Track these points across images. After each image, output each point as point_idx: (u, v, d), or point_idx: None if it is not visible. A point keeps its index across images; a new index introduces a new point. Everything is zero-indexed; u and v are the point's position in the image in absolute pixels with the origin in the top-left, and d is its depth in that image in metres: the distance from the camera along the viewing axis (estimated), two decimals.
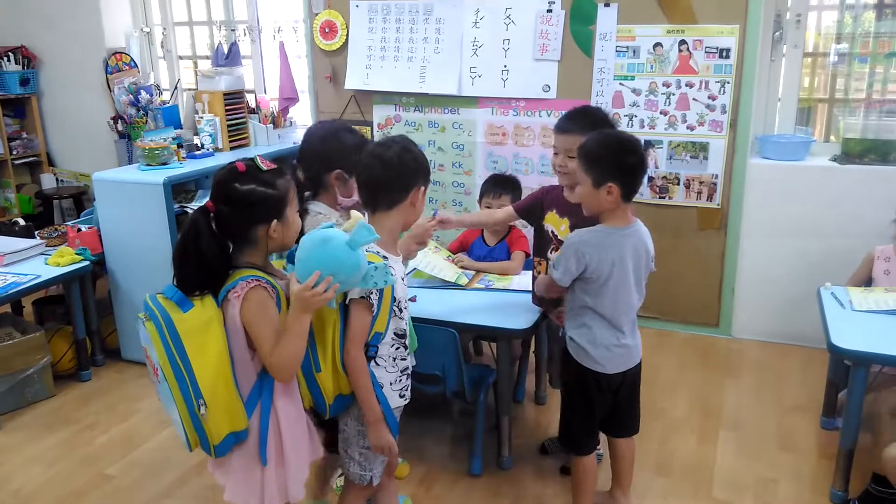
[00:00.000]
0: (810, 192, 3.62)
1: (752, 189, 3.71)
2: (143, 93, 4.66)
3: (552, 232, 2.50)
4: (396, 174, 1.89)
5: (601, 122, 2.38)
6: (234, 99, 4.22)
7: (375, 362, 1.89)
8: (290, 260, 1.85)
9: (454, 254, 3.18)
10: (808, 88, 3.89)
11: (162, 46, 5.40)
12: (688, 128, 3.74)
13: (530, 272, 2.80)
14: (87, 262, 3.50)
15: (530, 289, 2.78)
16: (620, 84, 3.82)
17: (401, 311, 1.91)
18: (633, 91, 3.80)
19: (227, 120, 4.16)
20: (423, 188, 1.95)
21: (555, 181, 2.57)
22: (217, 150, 4.11)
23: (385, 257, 1.86)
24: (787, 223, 3.68)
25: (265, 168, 1.78)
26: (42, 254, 3.62)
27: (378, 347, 1.88)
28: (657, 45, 3.70)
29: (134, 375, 3.58)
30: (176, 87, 5.13)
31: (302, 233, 1.92)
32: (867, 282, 3.04)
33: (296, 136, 4.49)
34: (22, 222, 4.17)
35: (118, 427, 3.16)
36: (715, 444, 2.94)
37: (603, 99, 3.85)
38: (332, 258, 1.69)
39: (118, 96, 4.88)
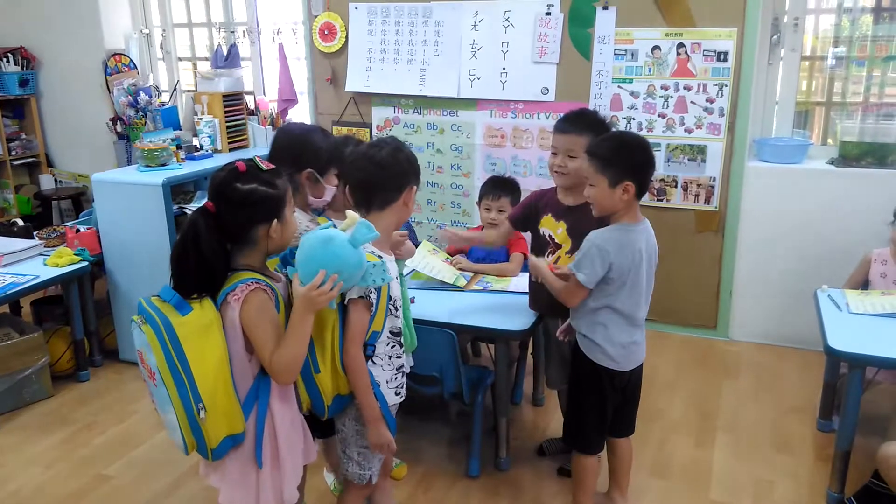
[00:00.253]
0: (807, 195, 3.63)
1: (749, 192, 3.72)
2: (142, 94, 4.67)
3: (549, 236, 2.50)
4: (390, 174, 1.91)
5: (600, 123, 2.42)
6: (233, 100, 4.23)
7: (373, 361, 1.90)
8: (285, 262, 1.86)
9: (452, 255, 3.19)
10: (805, 92, 3.90)
11: (161, 48, 5.40)
12: (686, 130, 3.75)
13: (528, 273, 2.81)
14: (85, 263, 3.50)
15: (528, 290, 2.79)
16: (619, 87, 3.83)
17: (396, 309, 1.93)
18: (632, 94, 3.81)
19: (227, 121, 4.16)
20: (414, 187, 1.96)
21: (552, 184, 2.58)
22: (216, 151, 4.12)
23: (380, 256, 1.87)
24: (784, 226, 3.69)
25: (265, 168, 1.79)
26: (41, 254, 3.62)
27: (375, 346, 1.89)
28: (655, 48, 3.71)
29: (132, 376, 3.58)
30: (175, 89, 5.14)
31: None
32: (864, 284, 3.05)
33: None
34: (20, 223, 4.17)
35: (116, 427, 3.16)
36: (712, 445, 2.95)
37: (601, 101, 3.86)
38: (336, 257, 1.70)
39: (117, 97, 4.88)
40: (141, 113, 4.63)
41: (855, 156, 3.60)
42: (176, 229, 3.40)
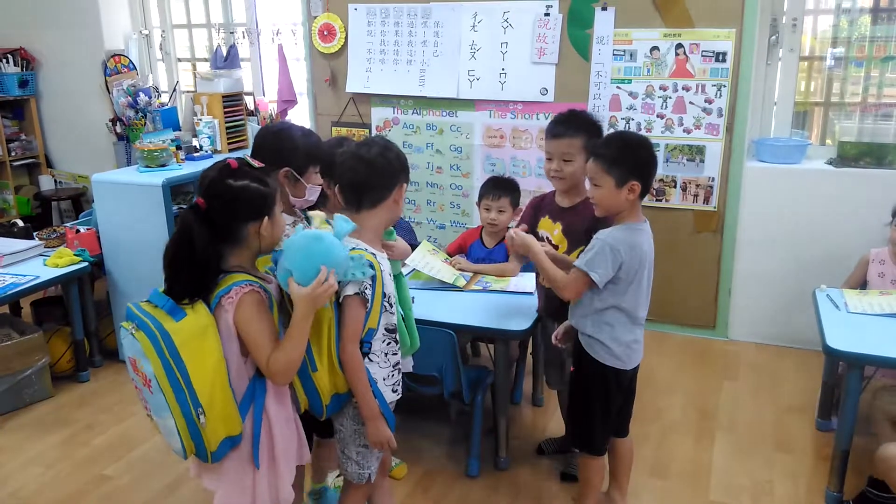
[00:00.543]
0: (806, 196, 3.64)
1: (748, 192, 3.73)
2: (141, 95, 4.67)
3: (546, 237, 2.50)
4: (380, 173, 1.92)
5: (592, 123, 2.41)
6: (232, 101, 4.24)
7: (369, 358, 1.90)
8: (277, 261, 1.86)
9: (452, 256, 3.19)
10: (804, 92, 3.91)
11: (161, 49, 5.41)
12: (684, 131, 3.75)
13: (528, 273, 2.82)
14: (85, 264, 3.50)
15: (528, 290, 2.80)
16: (617, 87, 3.84)
17: (391, 305, 1.93)
18: (630, 94, 3.82)
19: (226, 122, 4.17)
20: (405, 185, 1.98)
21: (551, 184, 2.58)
22: (216, 152, 4.12)
23: (373, 254, 1.88)
24: (782, 226, 3.70)
25: (256, 166, 1.80)
26: (41, 255, 3.62)
27: (372, 344, 1.90)
28: (654, 48, 3.72)
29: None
30: (174, 90, 5.14)
31: None
32: (862, 284, 3.06)
33: None
34: (20, 223, 4.17)
35: (116, 428, 3.17)
36: (711, 445, 2.96)
37: (600, 102, 3.87)
38: (330, 253, 1.73)
39: (117, 98, 4.88)
40: (140, 114, 4.63)
41: (853, 156, 3.61)
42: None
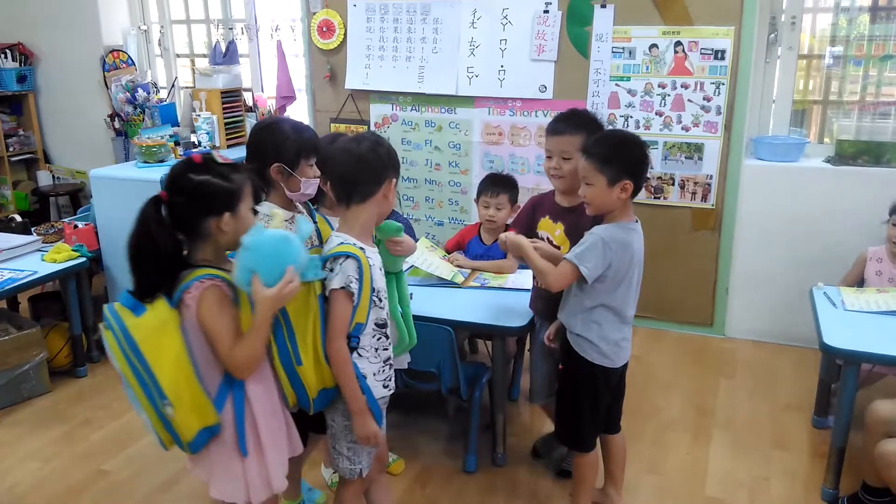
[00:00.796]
0: (804, 194, 3.64)
1: (746, 190, 3.73)
2: (140, 90, 4.67)
3: (547, 238, 2.48)
4: (369, 168, 1.92)
5: (593, 122, 2.40)
6: (231, 97, 4.24)
7: (358, 353, 1.90)
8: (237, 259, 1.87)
9: (450, 252, 3.20)
10: (802, 90, 3.92)
11: (159, 44, 5.40)
12: (683, 129, 3.76)
13: (526, 270, 2.81)
14: (83, 259, 3.50)
15: (525, 287, 2.79)
16: (616, 85, 3.84)
17: (380, 300, 1.93)
18: (629, 92, 3.82)
19: (225, 118, 4.18)
20: (394, 180, 1.97)
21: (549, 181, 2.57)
22: (214, 147, 4.12)
23: (362, 248, 1.88)
24: (780, 224, 3.70)
25: (221, 161, 1.81)
26: (38, 250, 3.62)
27: (360, 338, 1.89)
28: (653, 46, 3.72)
29: None
30: (173, 86, 5.14)
31: None
32: (859, 282, 3.07)
33: None
34: (18, 219, 4.18)
35: (114, 423, 3.17)
36: (708, 442, 2.96)
37: (599, 99, 3.87)
38: (297, 254, 1.75)
39: (115, 94, 4.89)
40: (139, 109, 4.64)
41: (851, 154, 3.62)
42: None
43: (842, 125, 3.76)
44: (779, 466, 2.79)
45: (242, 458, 1.81)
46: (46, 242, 3.71)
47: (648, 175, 3.78)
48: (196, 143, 4.10)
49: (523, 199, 2.92)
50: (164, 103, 4.63)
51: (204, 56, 5.23)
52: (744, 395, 3.33)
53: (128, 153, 4.93)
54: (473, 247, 3.24)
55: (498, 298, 2.79)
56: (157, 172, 3.44)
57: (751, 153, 3.81)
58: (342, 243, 1.87)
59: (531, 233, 2.58)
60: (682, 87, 3.71)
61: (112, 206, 3.54)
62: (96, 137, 5.30)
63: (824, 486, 2.58)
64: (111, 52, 5.17)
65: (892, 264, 2.99)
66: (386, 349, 1.98)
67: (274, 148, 2.12)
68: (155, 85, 5.05)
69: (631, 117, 3.84)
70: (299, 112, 4.74)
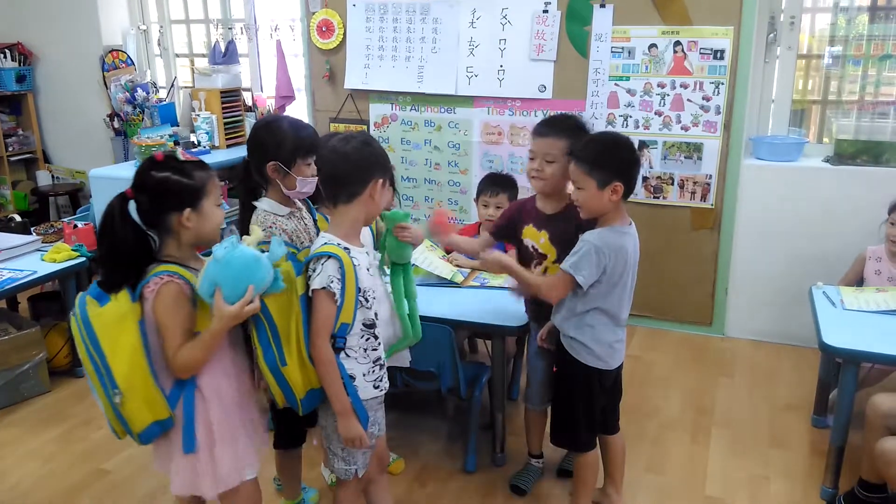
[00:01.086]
0: (803, 193, 3.65)
1: (745, 189, 3.74)
2: (139, 90, 4.67)
3: (532, 246, 2.45)
4: (354, 167, 1.91)
5: (579, 128, 2.35)
6: (230, 97, 4.24)
7: (346, 354, 1.89)
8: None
9: (450, 252, 3.20)
10: (801, 90, 3.92)
11: (159, 44, 5.40)
12: (682, 128, 3.76)
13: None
14: (82, 259, 3.50)
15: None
16: (615, 84, 3.84)
17: (367, 301, 1.91)
18: (628, 91, 3.82)
19: (224, 118, 4.18)
20: (381, 181, 1.95)
21: None
22: (213, 147, 4.12)
23: (346, 248, 1.88)
24: (779, 223, 3.71)
25: (183, 159, 1.86)
26: (38, 250, 3.61)
27: (346, 339, 1.88)
28: (652, 45, 3.72)
29: None
30: (172, 85, 5.14)
31: (246, 231, 2.00)
32: (858, 281, 3.08)
33: None
34: (18, 219, 4.18)
35: None
36: (707, 441, 2.97)
37: (598, 99, 3.87)
38: (263, 277, 1.78)
39: (115, 94, 4.88)
40: (138, 109, 4.63)
41: (850, 154, 3.62)
42: None
43: (841, 125, 3.76)
44: (778, 466, 2.80)
45: (195, 454, 1.83)
46: (46, 242, 3.71)
47: (647, 175, 3.82)
48: (195, 142, 4.10)
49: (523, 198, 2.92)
50: (164, 103, 4.63)
51: (203, 56, 5.23)
52: (743, 395, 3.34)
53: (127, 153, 4.94)
54: None
55: (498, 298, 2.79)
56: None
57: (750, 153, 3.82)
58: (326, 244, 1.87)
59: (507, 233, 2.56)
60: (681, 86, 3.72)
61: None
62: (96, 137, 5.30)
63: (823, 486, 2.58)
64: (110, 51, 5.17)
65: (892, 263, 3.00)
66: (375, 349, 1.96)
67: (272, 146, 2.14)
68: (154, 85, 5.05)
69: (630, 117, 3.85)
70: (299, 112, 4.74)
